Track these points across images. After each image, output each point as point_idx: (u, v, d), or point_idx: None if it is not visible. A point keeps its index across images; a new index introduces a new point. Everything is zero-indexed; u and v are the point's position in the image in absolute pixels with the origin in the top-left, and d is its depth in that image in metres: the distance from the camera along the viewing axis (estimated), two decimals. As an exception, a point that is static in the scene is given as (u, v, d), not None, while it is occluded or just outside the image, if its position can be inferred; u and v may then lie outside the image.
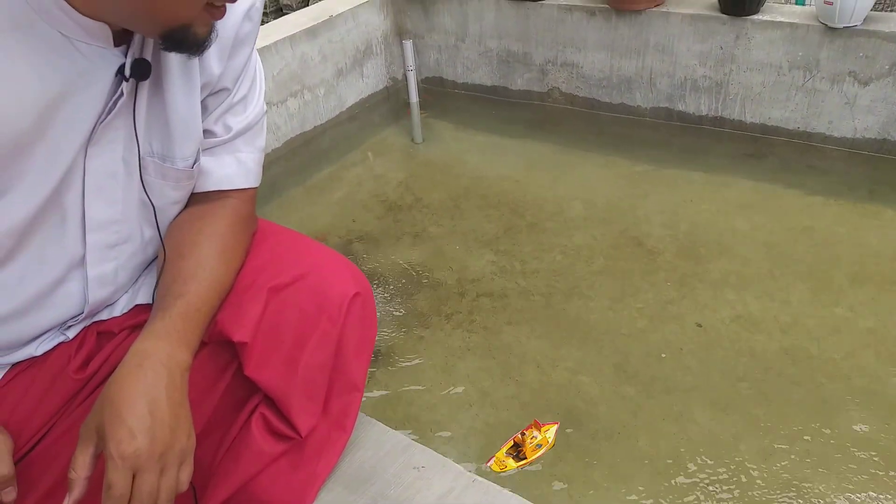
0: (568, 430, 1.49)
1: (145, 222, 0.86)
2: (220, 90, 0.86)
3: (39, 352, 0.86)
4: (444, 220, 2.22)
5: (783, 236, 1.97)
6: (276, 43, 2.35)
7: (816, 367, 1.58)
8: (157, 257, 0.91)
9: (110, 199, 0.80)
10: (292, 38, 2.41)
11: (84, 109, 0.73)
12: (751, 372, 1.58)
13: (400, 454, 0.90)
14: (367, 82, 2.81)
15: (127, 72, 0.73)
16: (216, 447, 0.88)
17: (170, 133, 0.82)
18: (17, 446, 0.80)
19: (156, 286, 0.86)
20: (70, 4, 0.68)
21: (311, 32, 2.48)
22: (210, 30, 0.73)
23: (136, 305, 0.90)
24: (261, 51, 2.34)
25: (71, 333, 0.87)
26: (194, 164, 0.85)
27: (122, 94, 0.74)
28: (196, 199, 0.90)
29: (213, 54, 0.82)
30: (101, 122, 0.75)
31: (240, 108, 0.89)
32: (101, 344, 0.89)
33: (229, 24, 0.82)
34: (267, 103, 2.42)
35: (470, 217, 2.22)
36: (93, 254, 0.81)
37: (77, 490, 0.69)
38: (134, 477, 0.67)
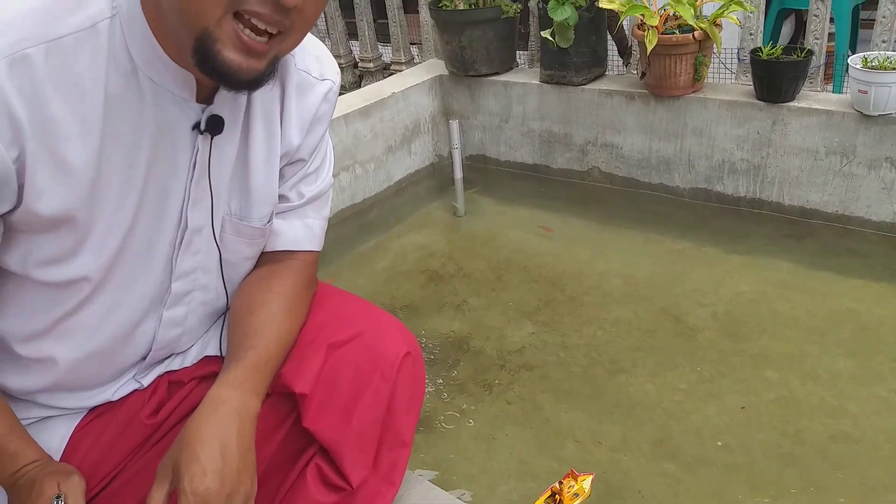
0: (607, 505, 1.50)
1: (217, 274, 0.94)
2: (297, 161, 0.94)
3: (116, 397, 0.93)
4: (485, 290, 2.29)
5: (824, 317, 1.98)
6: (331, 121, 2.49)
7: (861, 452, 1.56)
8: (225, 310, 0.99)
9: (194, 251, 0.88)
10: (346, 117, 2.57)
11: (172, 164, 0.81)
12: (793, 455, 1.58)
13: (443, 509, 0.94)
14: (415, 159, 2.94)
15: (202, 125, 0.81)
16: (272, 496, 0.93)
17: (249, 195, 0.90)
18: (88, 487, 0.86)
19: (223, 337, 0.94)
20: (165, 53, 0.75)
21: (364, 112, 2.64)
22: (256, 64, 0.72)
23: (206, 357, 0.97)
24: (316, 128, 2.49)
25: (146, 381, 0.95)
26: (268, 222, 0.94)
27: (198, 148, 0.82)
28: (265, 259, 0.98)
29: (294, 128, 0.91)
30: (191, 179, 0.83)
31: (312, 178, 0.97)
32: (172, 392, 0.97)
33: (310, 103, 0.91)
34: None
35: (510, 289, 2.28)
36: (172, 298, 0.89)
37: None
38: None
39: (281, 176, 0.94)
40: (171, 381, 0.97)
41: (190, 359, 0.98)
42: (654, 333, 2.00)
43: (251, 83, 0.74)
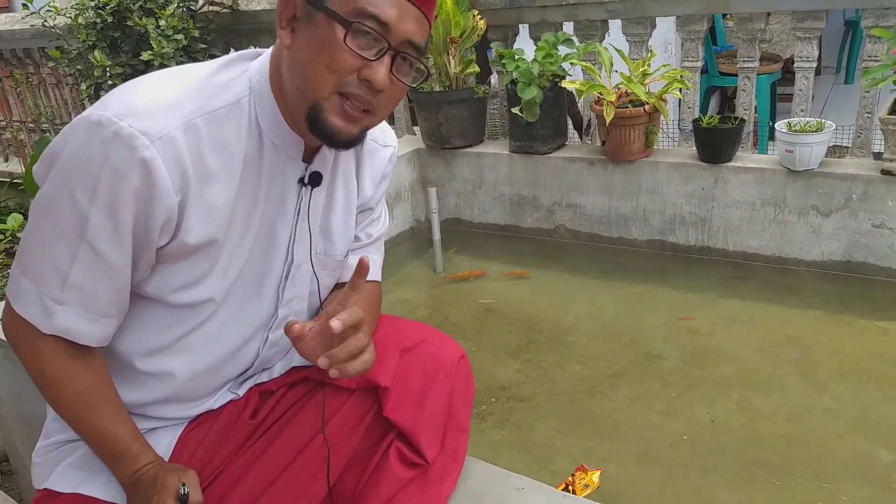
0: (604, 504, 1.69)
1: (306, 302, 1.14)
2: (367, 209, 1.18)
3: (216, 405, 1.10)
4: (471, 335, 2.50)
5: (771, 343, 2.26)
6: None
7: (814, 450, 1.81)
8: None
9: (295, 282, 1.09)
10: (338, 184, 2.82)
11: (282, 208, 1.03)
12: (758, 456, 1.81)
13: (502, 480, 1.15)
14: (396, 223, 3.20)
15: (306, 179, 1.03)
16: (357, 479, 1.12)
17: (330, 235, 1.12)
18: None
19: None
20: (285, 122, 0.97)
21: (353, 179, 2.90)
22: (352, 129, 0.93)
23: (293, 367, 1.16)
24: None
25: (241, 392, 1.13)
26: (345, 257, 1.16)
27: (301, 197, 1.05)
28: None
29: (367, 183, 1.15)
30: (296, 222, 1.05)
31: (376, 223, 1.22)
32: (264, 399, 1.14)
33: (378, 164, 1.16)
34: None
35: (493, 333, 2.50)
36: (277, 322, 1.09)
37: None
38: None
39: (357, 221, 1.17)
40: (261, 391, 1.15)
41: (277, 371, 1.17)
42: (628, 364, 2.24)
43: (347, 143, 0.94)
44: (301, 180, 1.03)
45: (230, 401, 1.12)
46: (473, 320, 2.61)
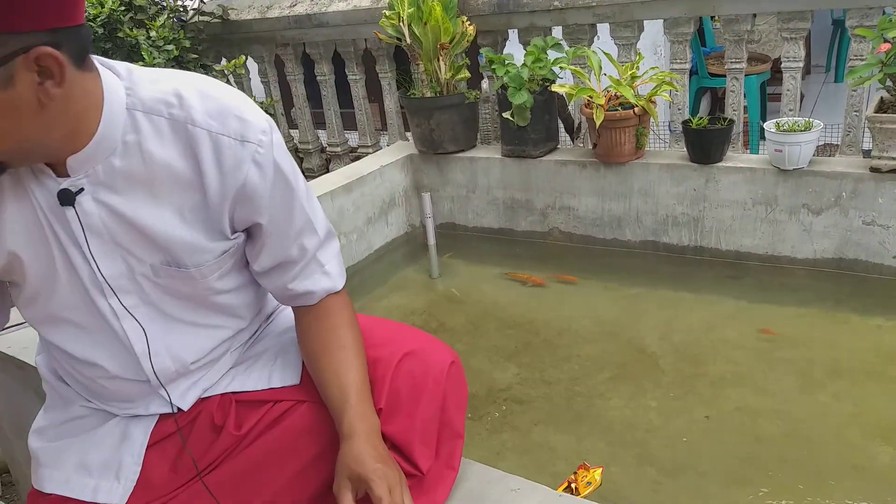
0: (603, 505, 1.70)
1: (157, 309, 1.08)
2: (255, 224, 1.03)
3: (149, 411, 1.12)
4: (467, 339, 2.51)
5: (766, 341, 2.28)
6: (319, 197, 2.76)
7: (812, 448, 1.82)
8: (261, 350, 1.19)
9: (127, 292, 1.04)
10: (332, 193, 2.84)
11: (57, 229, 0.98)
12: (755, 454, 1.82)
13: (499, 481, 1.15)
14: (391, 228, 3.21)
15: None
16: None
17: (156, 243, 1.00)
18: (182, 481, 1.07)
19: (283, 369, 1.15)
20: None
21: (347, 188, 2.91)
22: None
23: (272, 389, 1.15)
24: (305, 202, 2.74)
25: (185, 404, 1.12)
26: (203, 267, 1.03)
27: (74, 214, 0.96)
28: (310, 308, 1.13)
29: (213, 185, 0.97)
30: (80, 239, 0.98)
31: (309, 232, 1.08)
32: (251, 409, 1.13)
33: (229, 164, 0.96)
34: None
35: (490, 336, 2.51)
36: (134, 336, 1.07)
37: None
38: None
39: (256, 238, 1.05)
40: (237, 400, 1.14)
41: (250, 385, 1.15)
42: (623, 364, 2.25)
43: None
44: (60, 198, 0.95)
45: (169, 413, 1.11)
46: (468, 324, 2.61)
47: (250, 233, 1.06)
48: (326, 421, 1.08)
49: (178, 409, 1.12)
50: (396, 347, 1.15)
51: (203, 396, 1.14)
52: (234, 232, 1.04)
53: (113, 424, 1.12)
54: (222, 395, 1.15)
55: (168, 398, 1.10)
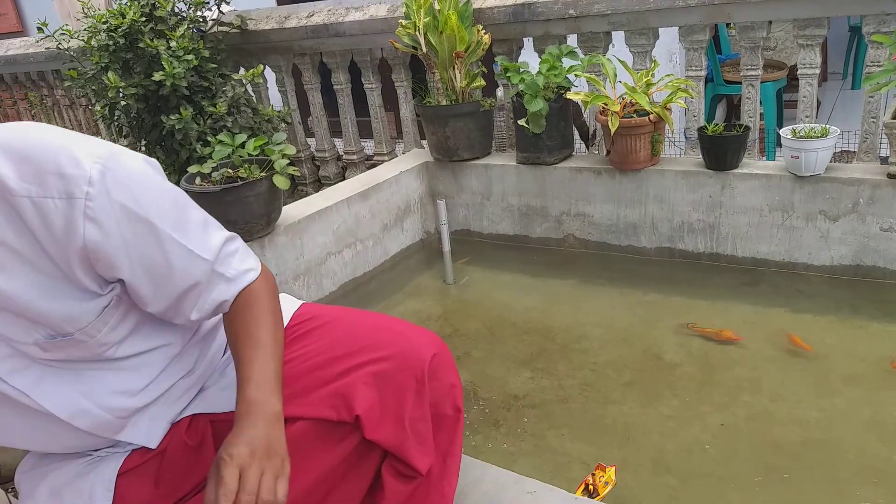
0: (619, 510, 1.70)
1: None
2: (117, 279, 0.95)
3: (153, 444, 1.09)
4: (483, 345, 2.52)
5: (783, 348, 2.27)
6: (336, 204, 2.80)
7: (830, 454, 1.81)
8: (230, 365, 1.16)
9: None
10: (349, 200, 2.87)
11: None
12: (772, 461, 1.81)
13: (515, 484, 1.15)
14: (407, 235, 3.24)
15: None
16: (357, 495, 1.11)
17: (20, 315, 0.91)
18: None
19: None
20: None
21: (364, 195, 2.94)
22: None
23: None
24: (323, 211, 2.77)
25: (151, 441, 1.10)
26: (88, 328, 0.96)
27: None
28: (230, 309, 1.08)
29: (50, 248, 0.89)
30: None
31: (193, 262, 0.99)
32: (224, 428, 1.05)
33: (56, 224, 0.87)
34: (326, 253, 2.81)
35: (505, 342, 2.52)
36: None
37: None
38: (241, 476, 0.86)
39: (128, 285, 0.96)
40: (212, 420, 1.13)
41: (219, 407, 1.13)
42: (639, 371, 2.25)
43: None
44: None
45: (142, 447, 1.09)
46: (484, 330, 2.62)
47: (125, 282, 0.96)
48: (309, 433, 1.07)
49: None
50: (376, 353, 1.12)
51: (174, 421, 1.12)
52: (106, 285, 0.96)
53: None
54: (192, 416, 1.13)
55: (129, 442, 1.08)
